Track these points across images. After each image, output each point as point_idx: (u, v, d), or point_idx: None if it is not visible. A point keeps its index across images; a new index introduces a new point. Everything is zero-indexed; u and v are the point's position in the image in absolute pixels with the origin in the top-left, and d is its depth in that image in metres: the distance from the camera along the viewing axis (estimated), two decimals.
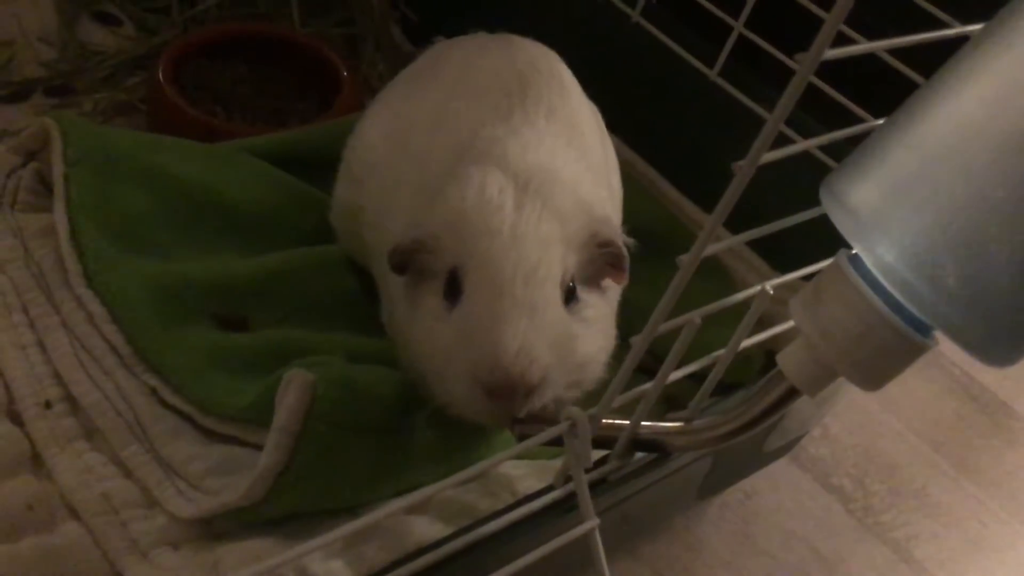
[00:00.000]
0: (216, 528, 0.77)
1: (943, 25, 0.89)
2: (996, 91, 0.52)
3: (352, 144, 1.00)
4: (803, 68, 0.48)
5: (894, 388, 1.39)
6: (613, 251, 0.80)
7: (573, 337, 0.75)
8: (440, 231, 0.77)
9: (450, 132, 0.86)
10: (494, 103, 0.87)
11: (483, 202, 0.76)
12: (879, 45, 0.53)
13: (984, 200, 0.50)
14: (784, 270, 1.12)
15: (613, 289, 0.84)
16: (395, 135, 0.93)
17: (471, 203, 0.76)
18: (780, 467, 1.18)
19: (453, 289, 0.76)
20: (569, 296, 0.77)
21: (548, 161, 0.81)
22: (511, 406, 0.71)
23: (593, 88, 1.02)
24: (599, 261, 0.80)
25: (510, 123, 0.84)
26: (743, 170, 0.52)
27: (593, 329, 0.78)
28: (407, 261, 0.79)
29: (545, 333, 0.72)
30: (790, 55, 1.09)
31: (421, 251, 0.78)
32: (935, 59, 0.61)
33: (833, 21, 0.46)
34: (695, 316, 0.62)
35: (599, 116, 0.99)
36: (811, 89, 1.03)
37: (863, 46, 0.53)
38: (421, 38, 1.44)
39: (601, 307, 0.81)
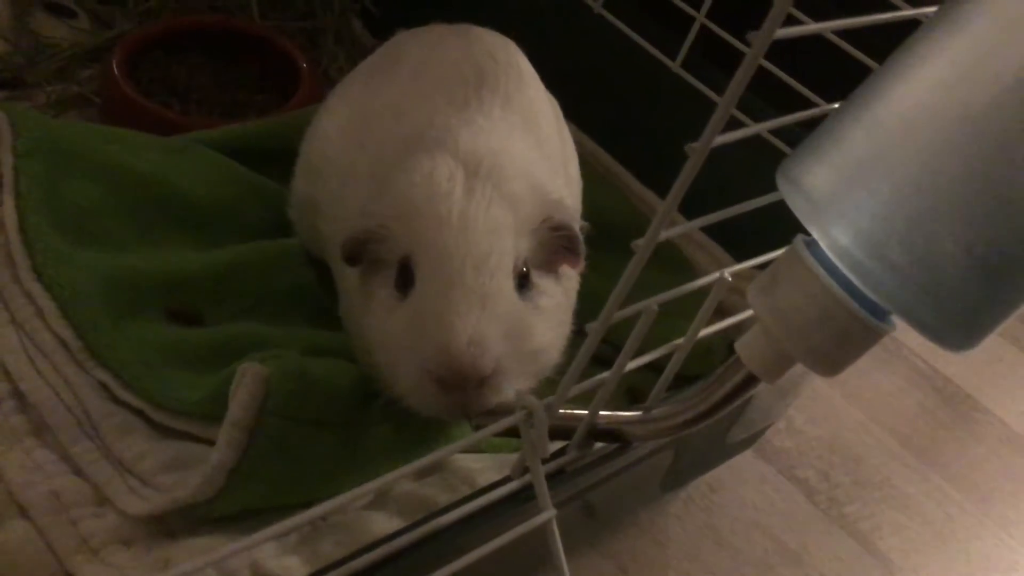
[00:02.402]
0: (169, 525, 0.75)
1: (895, 9, 0.88)
2: (948, 74, 0.52)
3: (309, 136, 0.99)
4: (755, 47, 0.48)
5: (858, 380, 1.40)
6: (567, 234, 0.79)
7: (527, 326, 0.74)
8: (390, 220, 0.76)
9: (405, 123, 0.85)
10: (450, 93, 0.86)
11: (432, 189, 0.75)
12: (830, 25, 0.53)
13: (936, 182, 0.49)
14: (743, 257, 1.12)
15: (570, 277, 0.84)
16: (352, 127, 0.92)
17: (420, 191, 0.75)
18: (745, 460, 1.18)
19: (404, 279, 0.75)
20: (523, 282, 0.76)
21: (499, 146, 0.80)
22: (463, 397, 0.70)
23: (555, 79, 1.01)
24: (553, 245, 0.79)
25: (465, 113, 0.83)
26: (696, 152, 0.51)
27: (548, 317, 0.77)
28: (359, 252, 0.78)
29: (497, 322, 0.72)
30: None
31: (372, 241, 0.77)
32: (889, 45, 0.61)
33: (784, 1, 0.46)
34: (652, 303, 0.61)
35: (557, 107, 0.98)
36: (770, 80, 1.03)
37: (814, 26, 0.52)
38: (383, 31, 1.42)
39: (556, 294, 0.80)
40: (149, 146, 1.00)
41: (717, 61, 1.15)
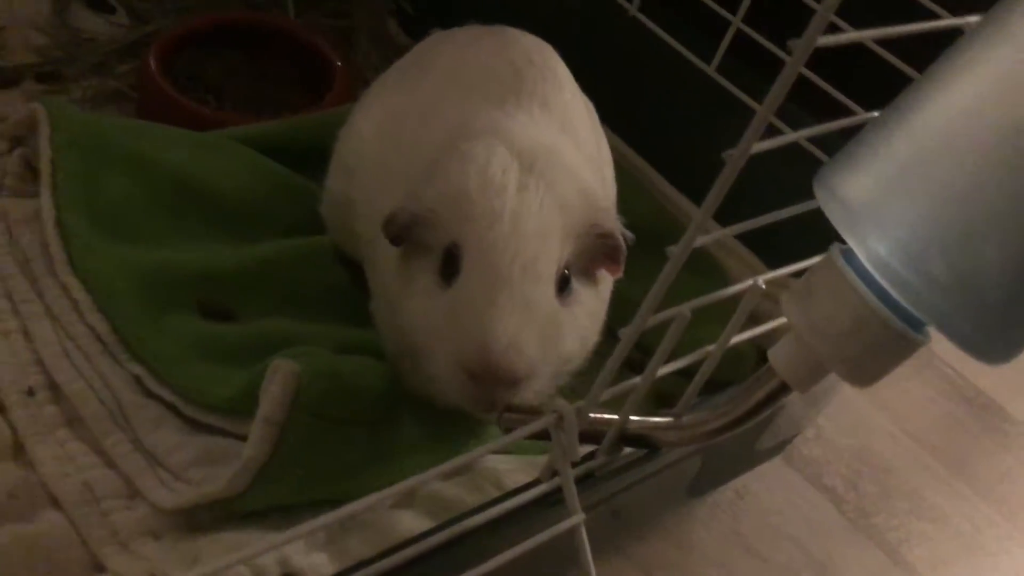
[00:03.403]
0: (198, 519, 0.76)
1: (935, 17, 0.88)
2: (992, 84, 0.51)
3: (344, 135, 0.99)
4: (796, 55, 0.47)
5: (887, 389, 1.39)
6: (611, 243, 0.78)
7: (561, 330, 0.74)
8: (439, 207, 0.75)
9: (441, 121, 0.85)
10: (487, 93, 0.86)
11: (486, 181, 0.75)
12: (871, 34, 0.52)
13: (977, 193, 0.49)
14: (779, 267, 1.12)
15: (605, 281, 0.83)
16: (387, 126, 0.92)
17: (474, 180, 0.75)
18: (773, 467, 1.17)
19: (449, 267, 0.75)
20: (563, 285, 0.76)
21: (551, 143, 0.80)
22: (492, 393, 0.70)
23: (589, 82, 1.01)
24: (596, 251, 0.79)
25: (504, 110, 0.83)
26: (734, 159, 0.51)
27: (581, 321, 0.77)
28: (403, 233, 0.77)
29: (536, 327, 0.72)
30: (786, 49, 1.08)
31: (418, 225, 0.76)
32: (927, 54, 0.60)
33: (826, 7, 0.45)
34: (684, 309, 0.61)
35: (593, 110, 0.98)
36: (806, 85, 1.03)
37: (855, 34, 0.52)
38: (417, 31, 1.43)
39: (592, 299, 0.80)
40: (184, 142, 1.01)
41: (752, 64, 1.15)
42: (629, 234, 0.80)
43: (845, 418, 1.29)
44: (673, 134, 1.21)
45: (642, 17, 1.22)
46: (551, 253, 0.74)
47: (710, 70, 1.17)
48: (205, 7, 1.30)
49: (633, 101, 1.21)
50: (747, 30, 1.12)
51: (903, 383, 1.36)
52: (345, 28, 1.39)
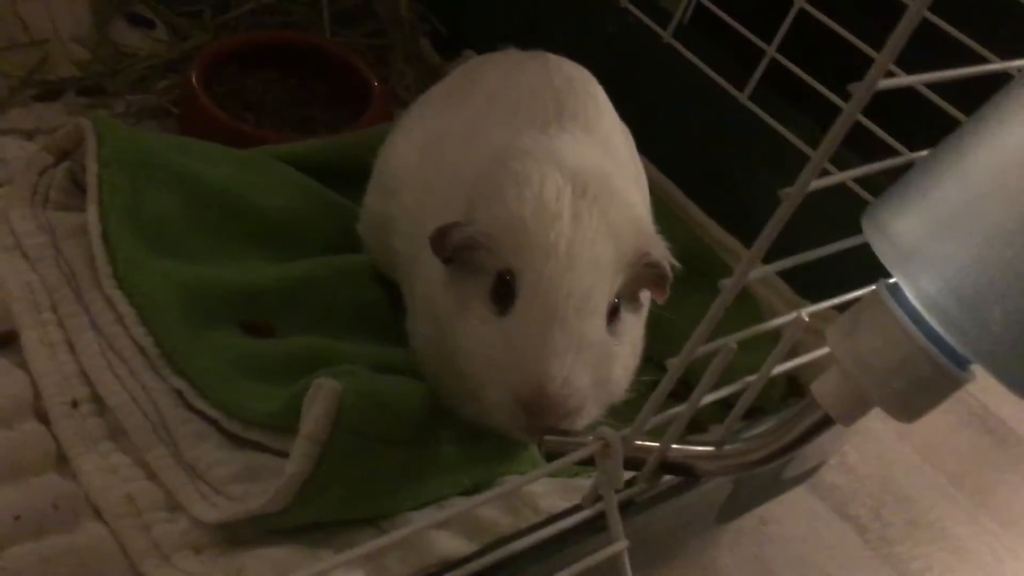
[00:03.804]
0: (239, 534, 0.76)
1: (982, 60, 0.89)
2: None
3: (384, 155, 1.00)
4: (856, 99, 0.48)
5: None
6: (659, 272, 0.79)
7: (612, 362, 0.75)
8: (494, 231, 0.76)
9: (485, 143, 0.86)
10: (530, 116, 0.87)
11: (541, 207, 0.75)
12: (929, 78, 0.53)
13: None
14: (807, 296, 1.13)
15: (645, 304, 0.84)
16: (428, 147, 0.93)
17: (529, 207, 0.75)
18: (797, 494, 1.17)
19: (503, 293, 0.75)
20: (612, 315, 0.77)
21: (601, 168, 0.81)
22: (544, 424, 0.71)
23: (622, 107, 1.02)
24: (643, 279, 0.80)
25: (548, 133, 0.84)
26: (791, 197, 0.52)
27: (627, 348, 0.78)
28: (455, 254, 0.77)
29: (589, 362, 0.73)
30: (821, 81, 1.09)
31: (472, 247, 0.76)
32: (964, 92, 0.61)
33: (888, 53, 0.46)
34: (731, 341, 0.62)
35: (631, 138, 0.99)
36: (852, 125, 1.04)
37: (915, 78, 0.53)
38: (450, 51, 1.45)
39: (635, 324, 0.81)
40: (226, 159, 1.02)
41: (782, 88, 1.16)
42: (676, 263, 0.81)
43: (869, 447, 1.29)
44: (705, 160, 1.22)
45: (676, 43, 1.23)
46: (604, 286, 0.75)
47: (743, 98, 1.18)
48: (244, 25, 1.32)
49: (666, 127, 1.21)
50: (781, 59, 1.14)
51: (927, 413, 1.36)
52: (380, 48, 1.40)
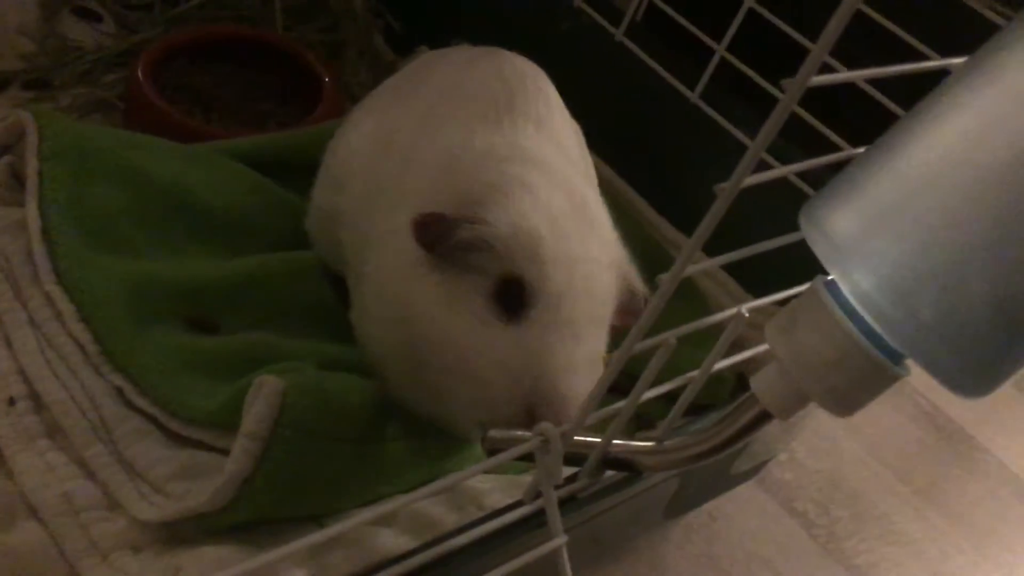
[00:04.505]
0: (179, 532, 0.75)
1: (923, 57, 0.90)
2: (976, 125, 0.52)
3: (334, 148, 1.00)
4: (789, 94, 0.48)
5: (860, 415, 1.40)
6: (638, 303, 0.80)
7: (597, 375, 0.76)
8: (510, 238, 0.75)
9: (439, 136, 0.86)
10: (483, 113, 0.87)
11: (554, 223, 0.76)
12: (863, 74, 0.54)
13: (962, 233, 0.50)
14: (756, 292, 1.14)
15: None
16: (379, 139, 0.93)
17: (545, 222, 0.76)
18: (745, 490, 1.18)
19: (511, 299, 0.75)
20: None
21: (582, 187, 0.82)
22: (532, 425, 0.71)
23: (574, 105, 1.02)
24: (622, 306, 0.81)
25: (500, 130, 0.84)
26: (725, 192, 0.52)
27: (598, 368, 0.78)
28: (447, 250, 0.76)
29: (594, 378, 0.73)
30: (771, 80, 1.10)
31: (474, 248, 0.75)
32: (910, 89, 0.61)
33: (820, 48, 0.47)
34: (671, 336, 0.62)
35: (581, 136, 0.99)
36: (791, 118, 1.04)
37: (848, 74, 0.53)
38: (404, 47, 1.44)
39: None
40: (172, 154, 1.01)
41: (733, 87, 1.17)
42: (646, 291, 0.81)
43: (817, 443, 1.30)
44: (656, 159, 1.23)
45: (627, 41, 1.24)
46: (610, 307, 0.77)
47: (694, 97, 1.19)
48: (194, 19, 1.31)
49: (618, 126, 1.22)
50: (730, 58, 1.14)
51: (875, 409, 1.36)
52: (333, 43, 1.39)
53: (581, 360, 0.74)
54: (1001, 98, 0.52)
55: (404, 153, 0.88)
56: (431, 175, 0.82)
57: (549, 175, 0.79)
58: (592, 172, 0.97)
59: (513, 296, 0.75)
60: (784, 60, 1.03)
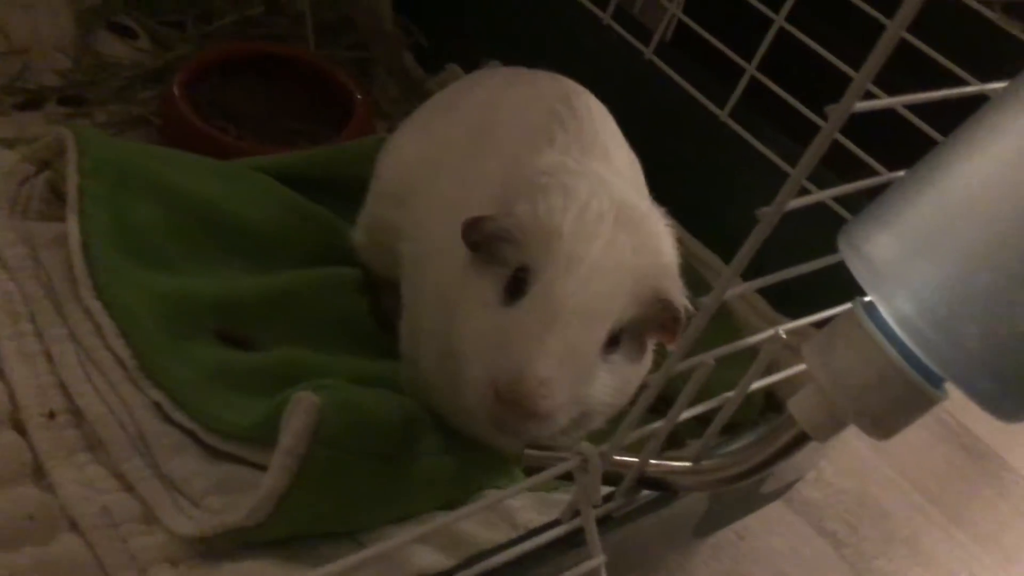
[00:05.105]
0: (215, 547, 0.76)
1: (959, 80, 0.90)
2: (1015, 151, 0.53)
3: (386, 162, 1.01)
4: (832, 121, 0.49)
5: None
6: (671, 315, 0.78)
7: (594, 384, 0.74)
8: (527, 228, 0.76)
9: (495, 154, 0.87)
10: (540, 132, 0.87)
11: (581, 223, 0.75)
12: (906, 100, 0.54)
13: (1004, 258, 0.50)
14: (781, 309, 1.14)
15: (650, 351, 0.83)
16: (437, 155, 0.93)
17: (570, 218, 0.75)
18: (773, 509, 1.18)
19: (516, 287, 0.75)
20: (612, 343, 0.76)
21: (646, 208, 0.82)
22: (511, 418, 0.71)
23: None
24: (654, 320, 0.79)
25: (558, 149, 0.85)
26: (768, 216, 0.53)
27: (616, 383, 0.77)
28: (483, 243, 0.77)
29: (572, 375, 0.72)
30: (802, 98, 1.10)
31: (502, 239, 0.76)
32: (940, 109, 0.62)
33: (863, 76, 0.47)
34: (708, 358, 0.62)
35: (638, 164, 0.97)
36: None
37: (890, 100, 0.53)
38: (433, 65, 1.45)
39: (633, 367, 0.79)
40: (207, 170, 1.02)
41: (762, 106, 1.17)
42: (690, 307, 0.79)
43: (845, 462, 1.30)
44: (685, 177, 1.23)
45: (657, 60, 1.24)
46: (611, 312, 0.75)
47: (723, 115, 1.19)
48: (227, 36, 1.32)
49: (646, 143, 1.22)
50: (761, 78, 1.15)
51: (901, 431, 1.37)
52: (363, 61, 1.41)
53: (557, 348, 0.72)
54: None
55: (460, 171, 0.88)
56: (491, 193, 0.82)
57: (597, 183, 0.79)
58: (646, 196, 0.94)
59: (520, 284, 0.75)
60: (815, 79, 1.04)
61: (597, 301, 0.74)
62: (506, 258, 0.76)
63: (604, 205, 0.77)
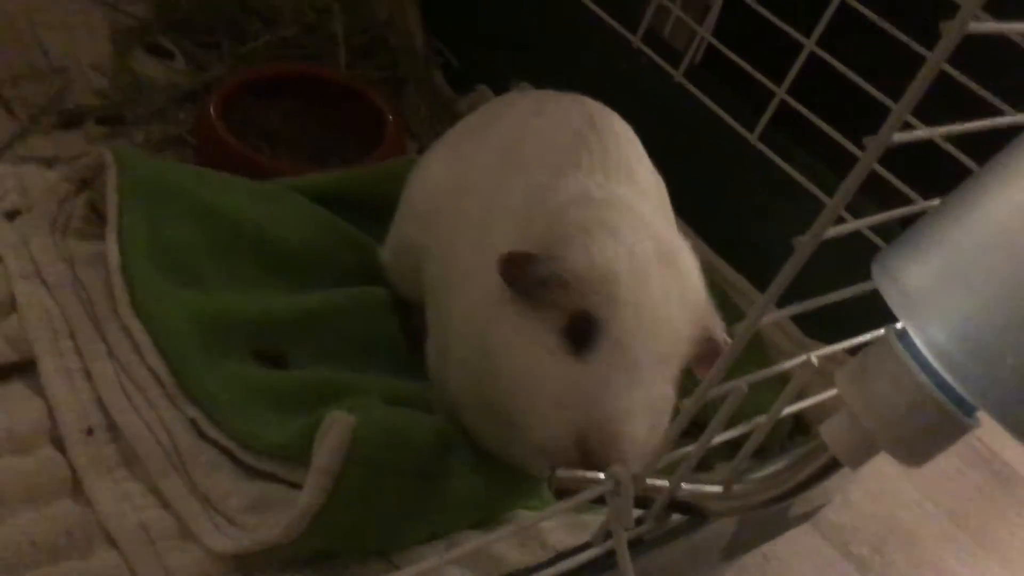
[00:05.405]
0: (250, 563, 0.77)
1: (996, 110, 0.90)
2: None
3: (416, 183, 1.02)
4: (869, 152, 0.49)
5: None
6: (715, 350, 0.79)
7: (664, 424, 0.76)
8: (585, 276, 0.76)
9: (522, 178, 0.87)
10: (568, 156, 0.87)
11: (634, 265, 0.76)
12: (943, 131, 0.55)
13: None
14: (812, 334, 1.14)
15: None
16: (460, 179, 0.94)
17: (624, 263, 0.76)
18: (800, 532, 1.18)
19: (579, 334, 0.75)
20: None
21: (670, 237, 0.83)
22: (588, 465, 0.71)
23: None
24: (699, 354, 0.80)
25: (586, 175, 0.85)
26: (804, 246, 0.53)
27: (669, 412, 0.78)
28: (529, 287, 0.77)
29: (655, 425, 0.74)
30: (832, 121, 1.10)
31: (552, 284, 0.76)
32: (984, 142, 0.62)
33: (903, 108, 0.48)
34: (742, 383, 0.63)
35: (663, 185, 0.97)
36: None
37: (928, 131, 0.54)
38: (463, 85, 1.47)
39: (674, 392, 0.80)
40: (243, 190, 1.04)
41: (792, 129, 1.17)
42: (729, 340, 0.80)
43: (872, 486, 1.30)
44: (715, 200, 1.23)
45: (686, 83, 1.25)
46: (679, 356, 0.77)
47: (753, 138, 1.20)
48: (261, 57, 1.34)
49: (677, 166, 1.23)
50: (791, 101, 1.15)
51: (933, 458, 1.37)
52: (394, 80, 1.42)
53: (640, 403, 0.74)
54: None
55: (487, 193, 0.89)
56: (516, 216, 0.83)
57: (634, 219, 0.80)
58: (672, 218, 0.96)
59: (582, 332, 0.76)
60: (845, 102, 1.05)
61: (667, 347, 0.76)
62: (558, 302, 0.76)
63: (647, 244, 0.78)
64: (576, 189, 0.83)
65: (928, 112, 0.64)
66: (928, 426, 0.58)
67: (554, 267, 0.76)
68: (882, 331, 0.59)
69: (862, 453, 0.62)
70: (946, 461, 1.37)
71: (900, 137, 0.50)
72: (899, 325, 0.58)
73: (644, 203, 0.85)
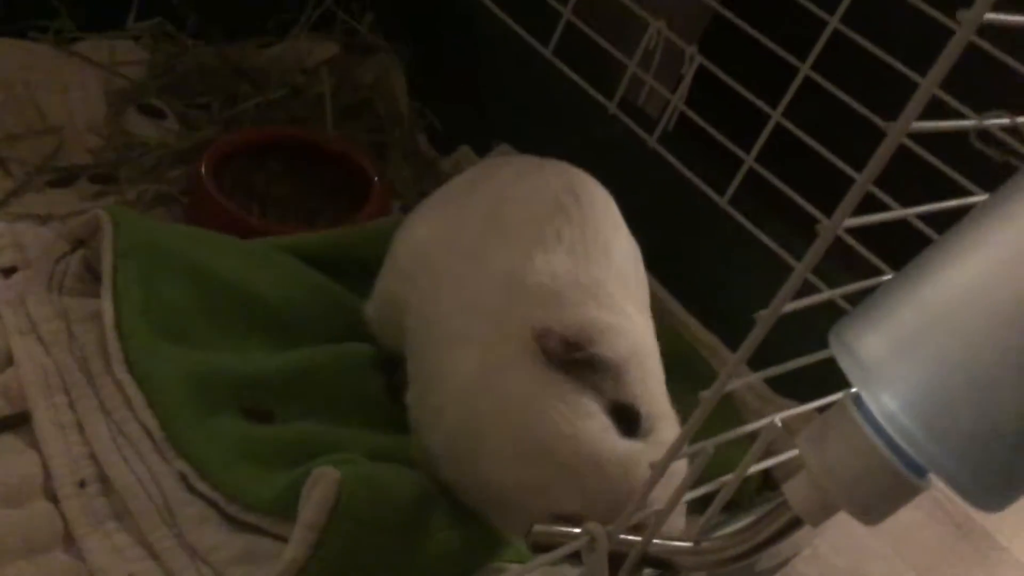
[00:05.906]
0: None
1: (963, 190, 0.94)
2: (994, 262, 0.56)
3: (401, 241, 1.05)
4: (822, 238, 0.54)
5: None
6: None
7: None
8: (620, 366, 0.83)
9: (503, 241, 0.92)
10: (549, 228, 0.92)
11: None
12: (901, 214, 0.59)
13: (979, 367, 0.54)
14: (780, 390, 1.18)
15: None
16: (444, 239, 0.98)
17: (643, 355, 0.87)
18: None
19: (625, 418, 0.81)
20: None
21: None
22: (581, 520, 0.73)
23: None
24: None
25: (565, 252, 0.90)
26: (764, 319, 0.57)
27: None
28: (572, 365, 0.81)
29: None
30: (801, 185, 1.14)
31: (593, 369, 0.82)
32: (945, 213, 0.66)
33: (862, 183, 0.51)
34: (708, 445, 0.66)
35: (639, 253, 1.02)
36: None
37: (888, 214, 0.58)
38: (446, 147, 1.51)
39: None
40: (234, 251, 1.07)
41: (761, 193, 1.22)
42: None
43: (840, 538, 1.32)
44: (688, 261, 1.28)
45: (661, 149, 1.30)
46: None
47: (722, 202, 1.24)
48: (250, 118, 1.38)
49: (651, 228, 1.27)
50: (759, 168, 1.20)
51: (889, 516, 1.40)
52: (379, 143, 1.46)
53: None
54: (1015, 238, 0.57)
55: (469, 255, 0.93)
56: (502, 286, 0.88)
57: (626, 321, 0.87)
58: (646, 292, 1.00)
59: (626, 416, 0.81)
60: (819, 165, 1.09)
61: None
62: (596, 384, 0.81)
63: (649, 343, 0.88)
64: (551, 267, 0.89)
65: (893, 184, 0.67)
66: (882, 487, 0.61)
67: (594, 355, 0.81)
68: (840, 395, 0.63)
69: (822, 512, 0.65)
70: (912, 516, 1.40)
71: (851, 222, 0.54)
72: (855, 390, 0.62)
73: (620, 287, 0.90)
